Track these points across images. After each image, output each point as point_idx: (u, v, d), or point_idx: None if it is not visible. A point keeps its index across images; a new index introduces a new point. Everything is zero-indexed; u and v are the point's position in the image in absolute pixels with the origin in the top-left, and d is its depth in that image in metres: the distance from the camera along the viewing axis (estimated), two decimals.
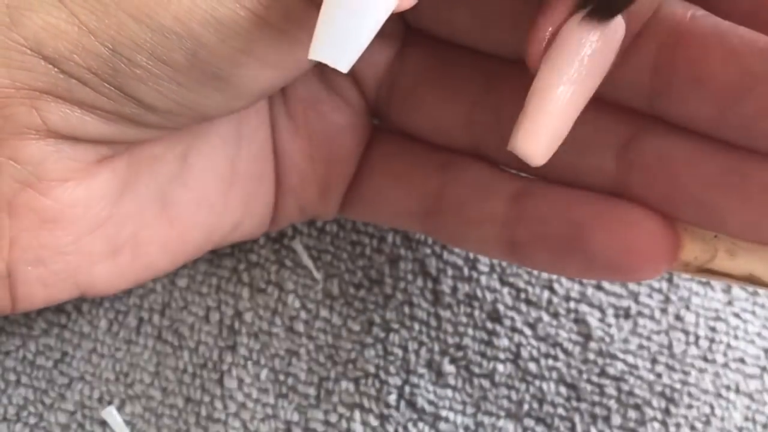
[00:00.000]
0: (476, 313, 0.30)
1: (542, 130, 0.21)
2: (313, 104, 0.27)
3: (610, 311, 0.30)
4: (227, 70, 0.20)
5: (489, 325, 0.30)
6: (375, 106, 0.28)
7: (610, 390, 0.30)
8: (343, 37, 0.17)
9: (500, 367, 0.30)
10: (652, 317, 0.30)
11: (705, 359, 0.30)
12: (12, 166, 0.21)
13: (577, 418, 0.30)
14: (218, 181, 0.26)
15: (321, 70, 0.27)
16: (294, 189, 0.27)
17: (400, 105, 0.27)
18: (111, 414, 0.29)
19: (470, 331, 0.30)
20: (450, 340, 0.30)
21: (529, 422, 0.30)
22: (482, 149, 0.26)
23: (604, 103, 0.24)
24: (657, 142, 0.23)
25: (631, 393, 0.30)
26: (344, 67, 0.17)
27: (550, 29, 0.21)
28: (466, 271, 0.30)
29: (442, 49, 0.26)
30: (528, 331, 0.30)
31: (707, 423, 0.29)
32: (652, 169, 0.23)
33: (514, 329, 0.30)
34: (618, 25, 0.21)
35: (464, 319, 0.30)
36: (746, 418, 0.29)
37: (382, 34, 0.27)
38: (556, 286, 0.30)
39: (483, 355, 0.30)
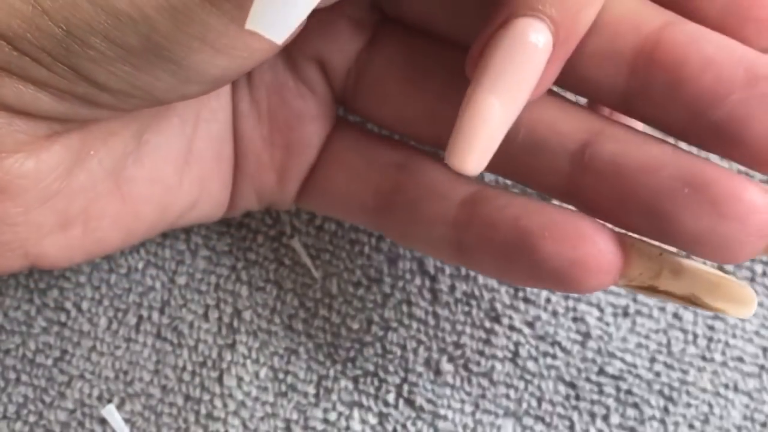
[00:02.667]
0: (474, 311, 0.30)
1: (473, 144, 0.21)
2: (278, 90, 0.27)
3: (609, 310, 0.30)
4: (180, 55, 0.20)
5: (487, 323, 0.30)
6: (342, 95, 0.28)
7: (609, 389, 0.30)
8: (280, 8, 0.17)
9: (499, 366, 0.30)
10: (650, 316, 0.30)
11: (703, 358, 0.30)
12: None
13: (575, 417, 0.30)
14: (174, 160, 0.26)
15: (289, 56, 0.27)
16: (252, 174, 0.27)
17: (365, 94, 0.27)
18: (111, 412, 0.29)
19: (468, 330, 0.30)
20: (448, 339, 0.30)
21: (528, 421, 0.30)
22: (444, 142, 0.26)
23: (562, 105, 0.24)
24: (612, 148, 0.23)
25: (629, 392, 0.30)
26: (279, 39, 0.17)
27: (483, 41, 0.21)
28: (463, 269, 0.30)
29: (413, 40, 0.26)
30: (526, 330, 0.30)
31: (706, 421, 0.29)
32: (604, 174, 0.23)
33: (512, 328, 0.30)
34: (542, 38, 0.21)
35: (462, 318, 0.30)
36: (745, 417, 0.29)
37: (355, 22, 0.27)
38: None
39: (481, 353, 0.30)
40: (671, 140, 0.23)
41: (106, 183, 0.24)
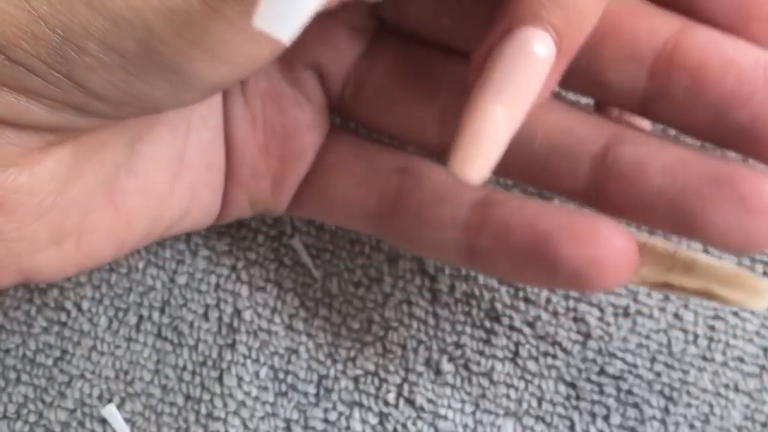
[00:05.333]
0: (474, 311, 0.30)
1: (477, 153, 0.21)
2: (274, 97, 0.27)
3: (609, 310, 0.30)
4: (178, 62, 0.20)
5: (487, 323, 0.30)
6: (339, 103, 0.28)
7: (609, 389, 0.30)
8: (288, 6, 0.17)
9: (499, 366, 0.30)
10: (651, 316, 0.30)
11: (704, 358, 0.30)
12: None
13: (576, 417, 0.30)
14: (165, 170, 0.26)
15: (285, 64, 0.27)
16: (245, 182, 0.27)
17: (366, 102, 0.27)
18: (111, 412, 0.29)
19: (469, 330, 0.30)
20: (449, 339, 0.30)
21: (529, 421, 0.30)
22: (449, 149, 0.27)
23: (581, 110, 0.25)
24: (635, 150, 0.24)
25: (630, 392, 0.30)
26: (286, 37, 0.17)
27: (486, 49, 0.21)
28: (463, 269, 0.30)
29: (413, 47, 0.26)
30: (527, 330, 0.30)
31: (706, 422, 0.29)
32: (629, 176, 0.24)
33: (512, 328, 0.30)
34: (545, 48, 0.21)
35: (462, 318, 0.30)
36: (745, 417, 0.29)
37: (353, 30, 0.27)
38: None
39: (482, 353, 0.30)
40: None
41: (100, 195, 0.24)
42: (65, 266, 0.24)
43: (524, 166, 0.25)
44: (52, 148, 0.22)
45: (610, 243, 0.24)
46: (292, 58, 0.27)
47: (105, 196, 0.24)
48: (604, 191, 0.24)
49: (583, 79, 0.23)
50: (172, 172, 0.26)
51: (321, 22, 0.26)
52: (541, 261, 0.24)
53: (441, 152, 0.27)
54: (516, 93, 0.21)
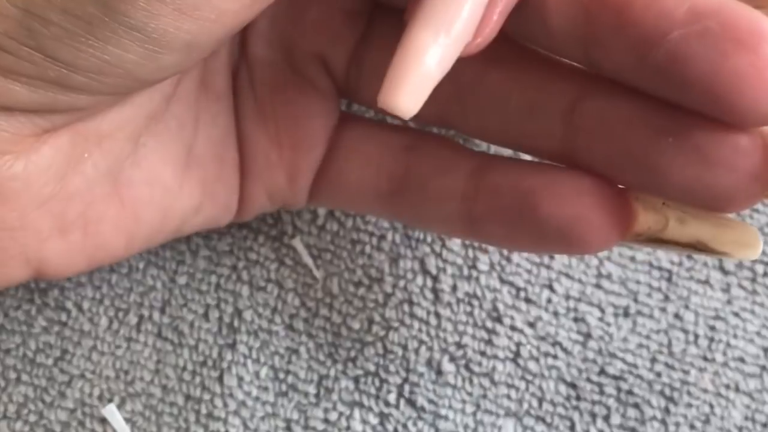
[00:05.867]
0: (476, 311, 0.30)
1: (406, 83, 0.20)
2: (281, 89, 0.27)
3: (610, 310, 0.30)
4: (142, 19, 0.20)
5: (489, 323, 0.30)
6: (345, 87, 0.28)
7: (610, 389, 0.30)
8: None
9: (500, 366, 0.30)
10: (651, 316, 0.30)
11: (704, 358, 0.30)
12: None
13: (576, 417, 0.30)
14: (172, 164, 0.25)
15: (289, 55, 0.27)
16: (261, 175, 0.27)
17: (368, 84, 0.27)
18: (111, 412, 0.29)
19: (470, 330, 0.30)
20: (450, 339, 0.30)
21: (529, 421, 0.30)
22: (448, 120, 0.26)
23: (549, 67, 0.24)
24: (598, 104, 0.23)
25: (630, 392, 0.30)
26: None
27: None
28: (465, 269, 0.30)
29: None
30: (528, 330, 0.30)
31: (707, 422, 0.29)
32: (595, 132, 0.23)
33: (513, 328, 0.30)
34: None
35: (464, 318, 0.30)
36: (746, 417, 0.29)
37: (350, 15, 0.27)
38: (555, 285, 0.30)
39: (483, 353, 0.30)
40: None
41: (103, 186, 0.24)
42: (74, 258, 0.24)
43: (502, 130, 0.25)
44: (48, 136, 0.22)
45: (593, 198, 0.23)
46: (294, 49, 0.27)
47: (109, 186, 0.24)
48: (576, 149, 0.24)
49: (529, 25, 0.22)
50: (180, 165, 0.26)
51: (319, 10, 0.26)
52: (528, 223, 0.24)
53: (444, 125, 0.27)
54: (447, 21, 0.20)
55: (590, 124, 0.23)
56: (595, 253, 0.28)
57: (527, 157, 0.27)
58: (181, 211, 0.26)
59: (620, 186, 0.24)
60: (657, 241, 0.24)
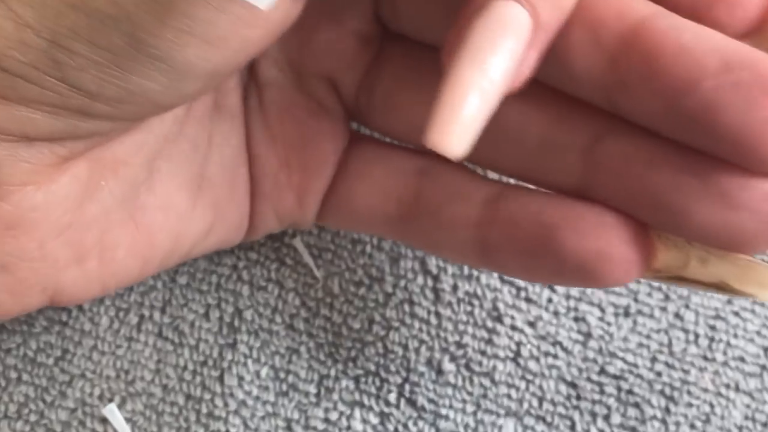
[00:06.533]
0: (477, 311, 0.30)
1: (455, 124, 0.20)
2: (291, 111, 0.27)
3: (610, 309, 0.30)
4: (168, 51, 0.20)
5: (489, 323, 0.30)
6: (355, 110, 0.27)
7: (610, 388, 0.30)
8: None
9: (500, 366, 0.30)
10: (651, 316, 0.30)
11: (705, 358, 0.30)
12: None
13: (577, 417, 0.30)
14: (186, 187, 0.25)
15: (298, 76, 0.27)
16: (270, 196, 0.27)
17: (380, 109, 0.27)
18: (112, 411, 0.29)
19: (470, 330, 0.30)
20: (450, 339, 0.30)
21: (529, 420, 0.30)
22: None
23: (569, 103, 0.24)
24: (621, 143, 0.23)
25: (630, 391, 0.30)
26: (265, 5, 0.17)
27: (460, 25, 0.21)
28: (466, 269, 0.30)
29: (420, 50, 0.26)
30: (528, 330, 0.30)
31: (707, 421, 0.29)
32: (616, 171, 0.23)
33: (514, 328, 0.30)
34: (521, 17, 0.20)
35: (465, 318, 0.30)
36: (746, 417, 0.29)
37: (361, 38, 0.27)
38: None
39: (483, 353, 0.30)
40: None
41: (119, 213, 0.24)
42: (90, 286, 0.24)
43: (519, 164, 0.25)
44: (67, 165, 0.22)
45: (616, 234, 0.23)
46: (304, 71, 0.27)
47: (125, 213, 0.24)
48: (594, 187, 0.24)
49: (552, 67, 0.22)
50: (193, 188, 0.26)
51: (329, 33, 0.26)
52: (548, 254, 0.24)
53: None
54: (493, 60, 0.20)
55: (611, 163, 0.23)
56: (610, 286, 0.29)
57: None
58: (192, 234, 0.26)
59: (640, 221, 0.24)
60: (679, 278, 0.24)
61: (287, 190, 0.27)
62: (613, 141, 0.23)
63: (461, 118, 0.20)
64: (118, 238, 0.24)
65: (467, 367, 0.30)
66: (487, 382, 0.30)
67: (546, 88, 0.24)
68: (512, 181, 0.28)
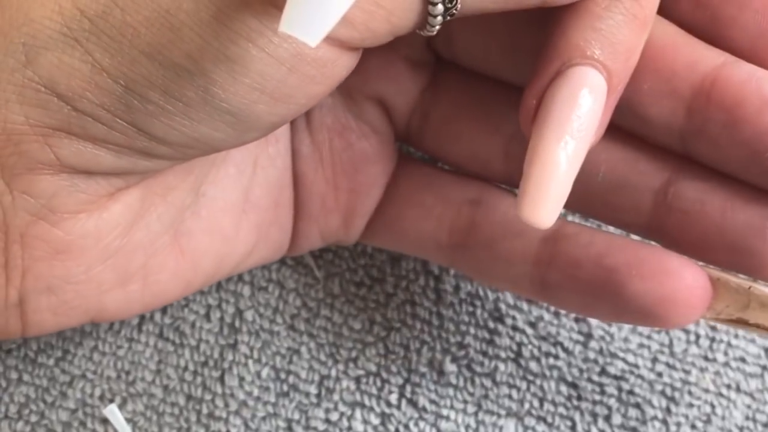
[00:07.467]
0: (478, 312, 0.30)
1: (546, 195, 0.21)
2: (340, 132, 0.27)
3: None
4: (238, 106, 0.20)
5: (491, 324, 0.30)
6: (406, 135, 0.28)
7: (611, 389, 0.30)
8: (314, 11, 0.17)
9: (501, 366, 0.30)
10: None
11: (706, 358, 0.30)
12: (25, 199, 0.21)
13: (577, 417, 0.30)
14: (231, 210, 0.26)
15: (349, 97, 0.27)
16: (316, 217, 0.27)
17: (435, 134, 0.27)
18: (112, 412, 0.29)
19: (472, 330, 0.30)
20: (452, 339, 0.30)
21: (530, 421, 0.30)
22: (517, 180, 0.27)
23: (643, 145, 0.24)
24: (696, 185, 0.24)
25: (631, 392, 0.30)
26: (313, 42, 0.17)
27: (538, 92, 0.21)
28: None
29: (476, 79, 0.26)
30: (529, 330, 0.30)
31: (708, 422, 0.29)
32: (691, 213, 0.24)
33: (515, 328, 0.30)
34: (599, 85, 0.21)
35: (466, 318, 0.30)
36: (747, 417, 0.30)
37: (413, 63, 0.27)
38: None
39: (484, 354, 0.30)
40: None
41: (165, 238, 0.24)
42: (131, 306, 0.25)
43: (586, 200, 0.25)
44: (120, 194, 0.23)
45: (681, 279, 0.24)
46: (355, 92, 0.27)
47: (171, 238, 0.25)
48: (665, 227, 0.24)
49: (624, 113, 0.23)
50: (237, 212, 0.26)
51: (381, 57, 0.26)
52: (610, 297, 0.24)
53: (507, 182, 0.27)
54: (576, 133, 0.21)
55: (685, 206, 0.24)
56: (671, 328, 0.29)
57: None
58: (236, 256, 0.26)
59: (701, 264, 0.24)
60: (739, 322, 0.24)
61: (334, 211, 0.27)
62: (687, 183, 0.24)
63: (550, 196, 0.21)
64: (163, 263, 0.25)
65: (468, 367, 0.30)
66: (488, 382, 0.30)
67: (617, 128, 0.24)
68: (568, 217, 0.28)
